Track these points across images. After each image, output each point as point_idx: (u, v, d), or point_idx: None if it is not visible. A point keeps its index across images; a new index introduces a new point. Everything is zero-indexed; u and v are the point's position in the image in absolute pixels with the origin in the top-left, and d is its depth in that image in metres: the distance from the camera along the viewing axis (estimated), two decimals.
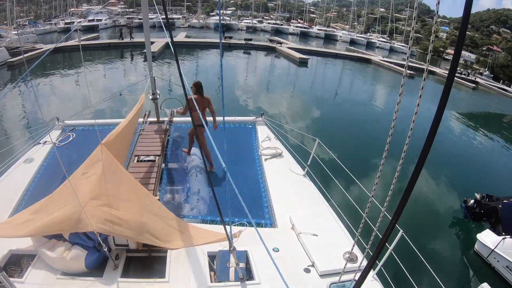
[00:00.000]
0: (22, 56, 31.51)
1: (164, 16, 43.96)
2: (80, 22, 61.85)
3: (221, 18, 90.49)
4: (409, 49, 2.36)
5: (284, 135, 9.72)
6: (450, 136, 24.71)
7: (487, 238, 10.85)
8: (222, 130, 9.27)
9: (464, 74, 55.79)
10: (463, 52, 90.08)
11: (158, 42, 42.92)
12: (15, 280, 4.56)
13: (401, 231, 4.80)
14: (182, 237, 5.63)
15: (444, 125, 26.84)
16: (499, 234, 10.79)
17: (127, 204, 5.11)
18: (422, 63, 61.23)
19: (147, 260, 5.40)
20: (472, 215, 12.36)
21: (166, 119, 10.25)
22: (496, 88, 51.85)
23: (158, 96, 9.90)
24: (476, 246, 11.25)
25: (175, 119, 10.30)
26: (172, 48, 3.86)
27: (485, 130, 28.74)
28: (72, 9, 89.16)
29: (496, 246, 10.34)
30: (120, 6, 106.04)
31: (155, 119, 10.22)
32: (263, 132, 9.99)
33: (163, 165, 8.08)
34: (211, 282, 4.94)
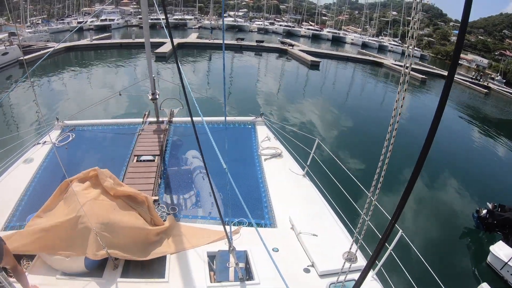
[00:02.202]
0: (28, 56, 31.74)
1: (169, 17, 44.41)
2: (90, 21, 62.35)
3: (234, 19, 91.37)
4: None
5: (283, 135, 9.68)
6: (462, 143, 24.49)
7: (500, 250, 10.62)
8: (222, 130, 9.29)
9: (477, 79, 55.34)
10: (476, 57, 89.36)
11: (169, 43, 42.96)
12: (15, 281, 4.57)
13: (400, 231, 4.75)
14: (182, 240, 5.63)
15: (457, 132, 26.67)
16: None
17: (124, 228, 5.16)
18: (434, 67, 60.94)
19: (147, 260, 5.39)
20: (485, 226, 12.16)
21: (165, 119, 10.27)
22: (509, 93, 51.27)
23: (157, 96, 9.93)
24: (488, 258, 11.02)
25: (174, 119, 10.31)
26: (172, 48, 3.87)
27: (498, 137, 28.43)
28: (85, 9, 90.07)
29: (510, 259, 10.19)
30: (132, 6, 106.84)
31: (155, 119, 10.24)
32: (263, 132, 9.93)
33: (163, 164, 8.09)
34: (211, 282, 4.90)
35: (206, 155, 4.40)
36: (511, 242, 10.83)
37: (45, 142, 8.81)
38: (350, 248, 3.79)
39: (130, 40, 48.28)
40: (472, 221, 12.73)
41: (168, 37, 4.00)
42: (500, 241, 11.08)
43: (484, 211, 12.16)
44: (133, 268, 5.25)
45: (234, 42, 54.36)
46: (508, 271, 10.29)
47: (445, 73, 55.69)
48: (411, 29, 2.27)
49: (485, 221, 12.12)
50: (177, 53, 38.70)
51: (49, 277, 4.79)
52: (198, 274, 5.00)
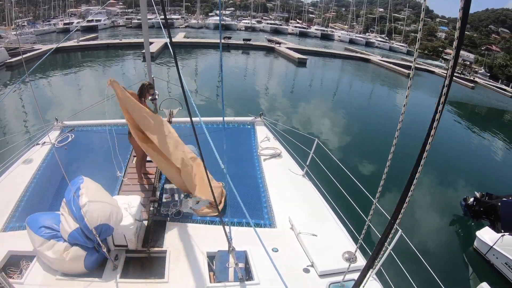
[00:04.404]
0: (21, 57, 31.44)
1: (156, 17, 44.19)
2: (79, 22, 61.83)
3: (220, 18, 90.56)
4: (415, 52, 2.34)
5: (283, 135, 9.69)
6: (449, 135, 24.72)
7: (486, 235, 10.92)
8: (222, 130, 9.28)
9: (463, 74, 55.93)
10: (462, 52, 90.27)
11: (157, 42, 42.81)
12: (14, 281, 4.55)
13: (400, 230, 4.77)
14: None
15: (444, 124, 26.81)
16: (498, 231, 10.83)
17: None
18: (422, 62, 61.43)
19: (146, 260, 5.39)
20: (472, 213, 12.41)
21: (165, 119, 10.24)
22: (494, 87, 51.99)
23: (157, 97, 9.88)
24: (475, 243, 11.31)
25: (174, 119, 10.28)
26: (171, 49, 3.86)
27: (485, 128, 28.85)
28: (71, 10, 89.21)
29: (495, 243, 10.39)
30: (119, 7, 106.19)
31: None
32: (262, 132, 9.95)
33: None
34: (210, 282, 4.92)
35: (205, 155, 4.40)
36: (497, 228, 11.08)
37: (44, 142, 8.77)
38: (350, 248, 3.81)
39: (118, 41, 47.85)
40: (460, 209, 12.91)
41: (165, 37, 3.99)
42: (487, 227, 11.38)
43: (471, 199, 12.42)
44: (132, 269, 5.26)
45: (222, 40, 53.93)
46: (493, 255, 10.56)
47: (433, 68, 56.34)
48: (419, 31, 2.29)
49: (472, 209, 12.38)
50: (165, 53, 38.38)
51: (49, 278, 4.80)
52: (198, 275, 5.02)
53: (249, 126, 10.30)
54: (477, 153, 22.60)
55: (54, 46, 36.30)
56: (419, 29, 2.20)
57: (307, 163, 8.22)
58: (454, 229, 12.96)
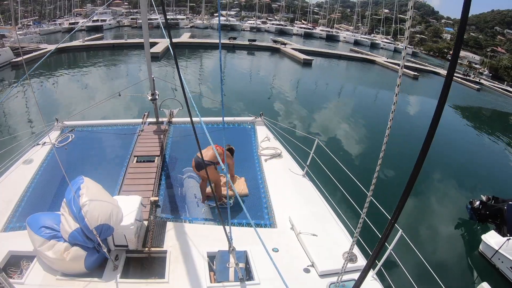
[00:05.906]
0: (24, 57, 31.69)
1: (161, 18, 44.07)
2: (83, 22, 62.04)
3: (226, 19, 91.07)
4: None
5: (283, 135, 9.67)
6: (456, 137, 24.58)
7: (491, 239, 10.83)
8: (222, 130, 9.29)
9: (468, 75, 55.77)
10: (467, 54, 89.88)
11: (162, 42, 42.88)
12: (15, 281, 4.55)
13: (400, 230, 4.76)
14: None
15: (450, 126, 26.74)
16: (504, 235, 10.77)
17: None
18: (426, 64, 61.25)
19: (147, 260, 5.39)
20: (478, 217, 12.33)
21: (165, 119, 10.26)
22: (500, 89, 51.75)
23: (157, 97, 9.90)
24: (480, 246, 11.23)
25: (174, 119, 10.29)
26: (171, 49, 3.86)
27: (492, 131, 28.67)
28: (77, 10, 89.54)
29: (501, 247, 10.32)
30: (124, 7, 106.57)
31: (154, 120, 10.22)
32: (262, 132, 9.94)
33: (163, 165, 8.07)
34: (211, 282, 4.91)
35: None
36: (503, 232, 11.05)
37: (44, 143, 8.78)
38: (350, 248, 3.79)
39: (123, 41, 48.01)
40: (466, 213, 12.85)
41: (166, 37, 3.99)
42: (492, 231, 11.30)
43: (477, 203, 12.33)
44: (133, 269, 5.27)
45: (227, 41, 54.21)
46: (499, 259, 10.49)
47: (439, 70, 56.15)
48: (407, 28, 2.27)
49: (478, 212, 12.29)
50: (170, 53, 38.38)
51: (49, 278, 4.81)
52: (198, 275, 5.01)
53: (249, 126, 10.29)
54: (484, 155, 22.38)
55: (59, 45, 36.52)
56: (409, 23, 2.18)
57: (308, 163, 8.19)
58: (459, 232, 12.87)
